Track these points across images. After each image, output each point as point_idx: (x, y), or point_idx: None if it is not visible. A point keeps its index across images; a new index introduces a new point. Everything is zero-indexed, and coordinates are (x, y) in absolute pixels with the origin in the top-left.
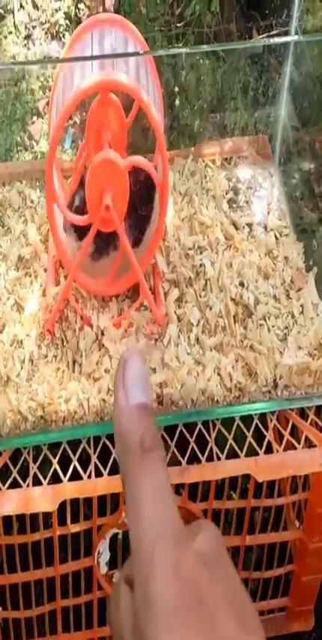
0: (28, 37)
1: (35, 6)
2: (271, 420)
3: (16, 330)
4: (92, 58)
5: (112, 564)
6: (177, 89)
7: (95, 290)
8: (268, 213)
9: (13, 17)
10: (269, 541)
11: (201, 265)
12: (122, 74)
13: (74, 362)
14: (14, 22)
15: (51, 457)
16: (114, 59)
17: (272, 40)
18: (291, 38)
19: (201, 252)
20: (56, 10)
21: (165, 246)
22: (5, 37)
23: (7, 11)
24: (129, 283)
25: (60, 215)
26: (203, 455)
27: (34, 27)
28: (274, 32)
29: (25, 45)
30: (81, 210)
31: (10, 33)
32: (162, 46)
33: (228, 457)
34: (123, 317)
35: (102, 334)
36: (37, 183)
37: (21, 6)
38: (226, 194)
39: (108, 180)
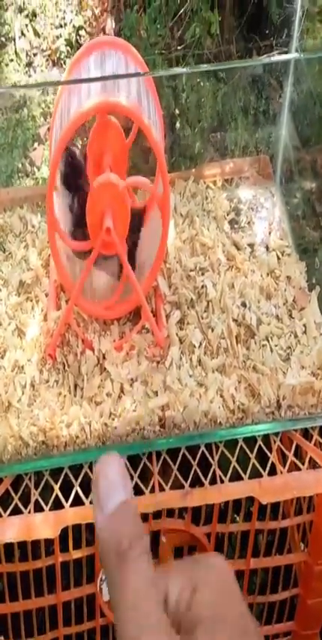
0: (29, 64)
1: (36, 33)
2: (275, 442)
3: (17, 355)
4: (92, 80)
5: None
6: (178, 111)
7: (96, 314)
8: (270, 233)
9: (15, 45)
10: (274, 564)
11: (202, 286)
12: (122, 96)
13: (76, 386)
14: (15, 50)
15: (52, 483)
16: (115, 81)
17: (273, 59)
18: (292, 56)
19: (202, 274)
20: (57, 37)
21: (166, 268)
22: (6, 65)
23: (8, 39)
24: (130, 306)
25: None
26: (206, 478)
27: (35, 54)
28: (274, 53)
29: (26, 72)
30: (82, 232)
31: (12, 61)
32: (162, 68)
33: (231, 480)
34: (125, 340)
35: (104, 358)
36: (38, 209)
37: (22, 34)
38: (227, 215)
39: (109, 203)
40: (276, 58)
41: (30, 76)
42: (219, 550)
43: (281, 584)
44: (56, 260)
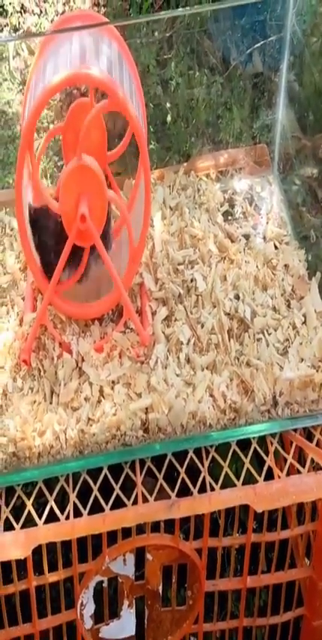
0: (23, 82)
1: (31, 52)
2: (271, 443)
3: None
4: (75, 29)
5: (98, 617)
6: (169, 104)
7: (74, 313)
8: (267, 222)
9: (8, 64)
10: (275, 581)
11: (191, 280)
12: (94, 68)
13: (52, 393)
14: (9, 69)
15: (24, 498)
16: (90, 57)
17: None
18: None
19: (191, 267)
20: None
21: (152, 262)
22: (0, 84)
23: (2, 59)
24: (111, 303)
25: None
26: (195, 486)
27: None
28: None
29: (20, 90)
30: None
31: (5, 80)
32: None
33: (223, 487)
34: (105, 340)
35: (83, 360)
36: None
37: (17, 53)
38: (221, 206)
39: (84, 188)
40: None
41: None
42: (211, 568)
43: (283, 604)
44: (26, 249)
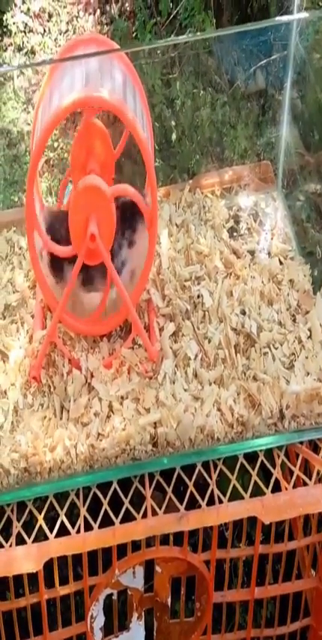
0: (28, 101)
1: (35, 71)
2: (278, 456)
3: (0, 379)
4: (82, 56)
5: (108, 629)
6: (174, 122)
7: (83, 330)
8: (272, 237)
9: (13, 83)
10: (282, 592)
11: (198, 296)
12: (104, 90)
13: (62, 408)
14: (13, 88)
15: (36, 513)
16: (99, 79)
17: (276, 19)
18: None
19: (198, 283)
20: None
21: (159, 279)
22: (4, 104)
23: (7, 78)
24: (119, 320)
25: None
26: (203, 499)
27: (34, 91)
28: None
29: (25, 109)
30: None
31: (10, 99)
32: (155, 76)
33: (231, 500)
34: (114, 356)
35: (92, 376)
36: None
37: (21, 72)
38: (226, 223)
39: (94, 208)
40: (279, 18)
41: (28, 112)
42: (219, 579)
43: (290, 615)
44: (35, 266)
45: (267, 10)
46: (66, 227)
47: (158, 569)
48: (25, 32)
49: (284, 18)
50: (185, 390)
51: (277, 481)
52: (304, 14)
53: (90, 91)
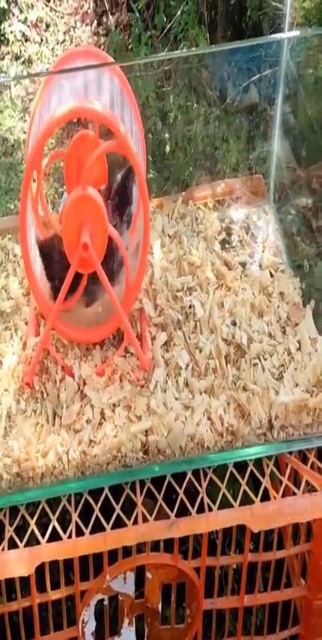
0: (24, 109)
1: (32, 80)
2: (267, 466)
3: None
4: (78, 69)
5: (99, 635)
6: (168, 135)
7: (76, 338)
8: (263, 250)
9: (10, 92)
10: (271, 600)
11: (190, 306)
12: (97, 102)
13: (54, 415)
14: (11, 96)
15: (28, 517)
16: (92, 91)
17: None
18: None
19: (190, 293)
20: None
21: (151, 289)
22: (1, 112)
23: (4, 87)
24: (112, 329)
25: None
26: (193, 507)
27: (30, 100)
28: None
29: (22, 117)
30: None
31: (7, 107)
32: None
33: (220, 508)
34: (107, 364)
35: (85, 384)
36: None
37: (18, 81)
38: (218, 235)
39: (86, 218)
40: (271, 37)
41: (25, 121)
42: (210, 587)
43: (279, 623)
44: (29, 274)
45: (259, 26)
46: (59, 251)
47: (149, 575)
48: (22, 41)
49: (276, 36)
50: (176, 399)
51: (266, 490)
52: (295, 32)
53: (83, 102)
